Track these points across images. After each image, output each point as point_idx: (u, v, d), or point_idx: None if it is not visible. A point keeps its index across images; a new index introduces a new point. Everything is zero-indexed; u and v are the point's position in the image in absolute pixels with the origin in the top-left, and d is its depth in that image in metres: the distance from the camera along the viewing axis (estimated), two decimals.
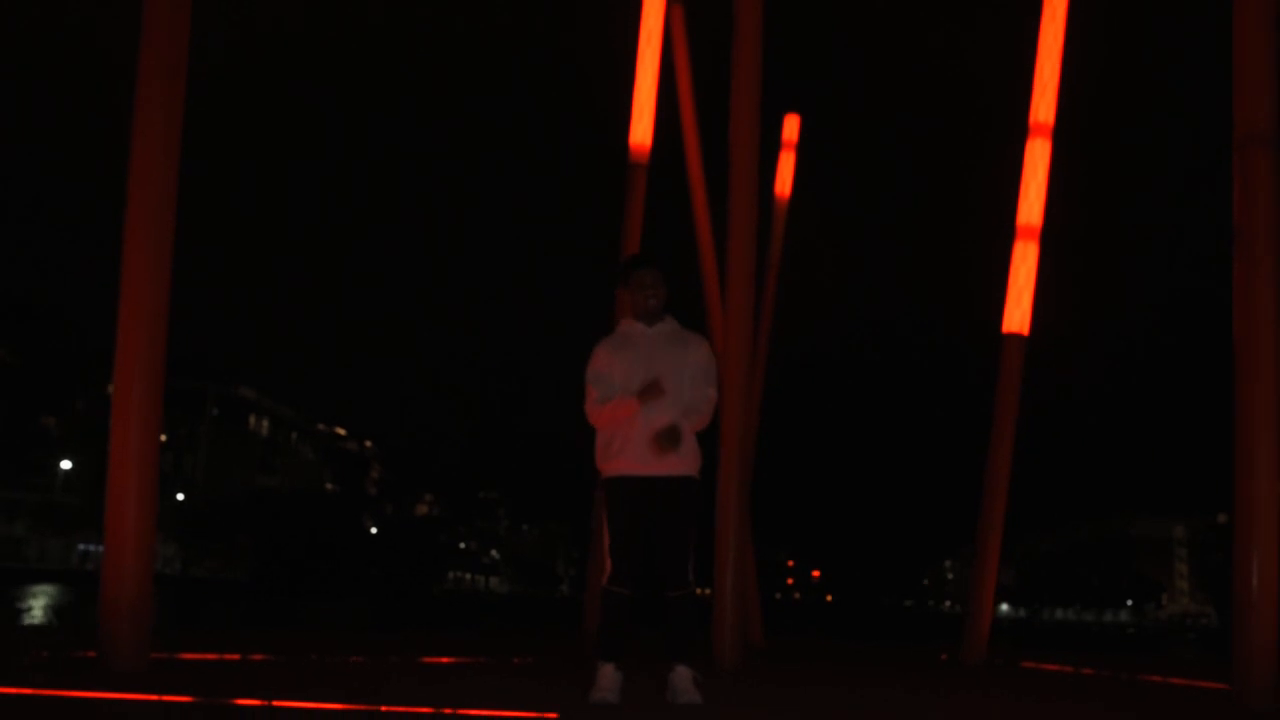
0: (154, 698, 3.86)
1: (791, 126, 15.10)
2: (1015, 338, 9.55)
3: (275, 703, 3.83)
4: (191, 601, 45.06)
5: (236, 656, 5.82)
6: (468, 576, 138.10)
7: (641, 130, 11.64)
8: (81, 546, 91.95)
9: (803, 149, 15.12)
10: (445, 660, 6.54)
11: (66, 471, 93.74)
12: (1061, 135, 10.43)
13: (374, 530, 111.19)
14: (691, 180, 12.70)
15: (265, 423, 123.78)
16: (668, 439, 4.61)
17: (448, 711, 3.84)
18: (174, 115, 5.39)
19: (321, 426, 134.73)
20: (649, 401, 4.66)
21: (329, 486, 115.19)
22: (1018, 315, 9.68)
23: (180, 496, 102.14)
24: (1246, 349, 5.60)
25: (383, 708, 3.85)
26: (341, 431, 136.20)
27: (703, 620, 5.26)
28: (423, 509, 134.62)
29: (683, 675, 4.57)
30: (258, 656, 5.90)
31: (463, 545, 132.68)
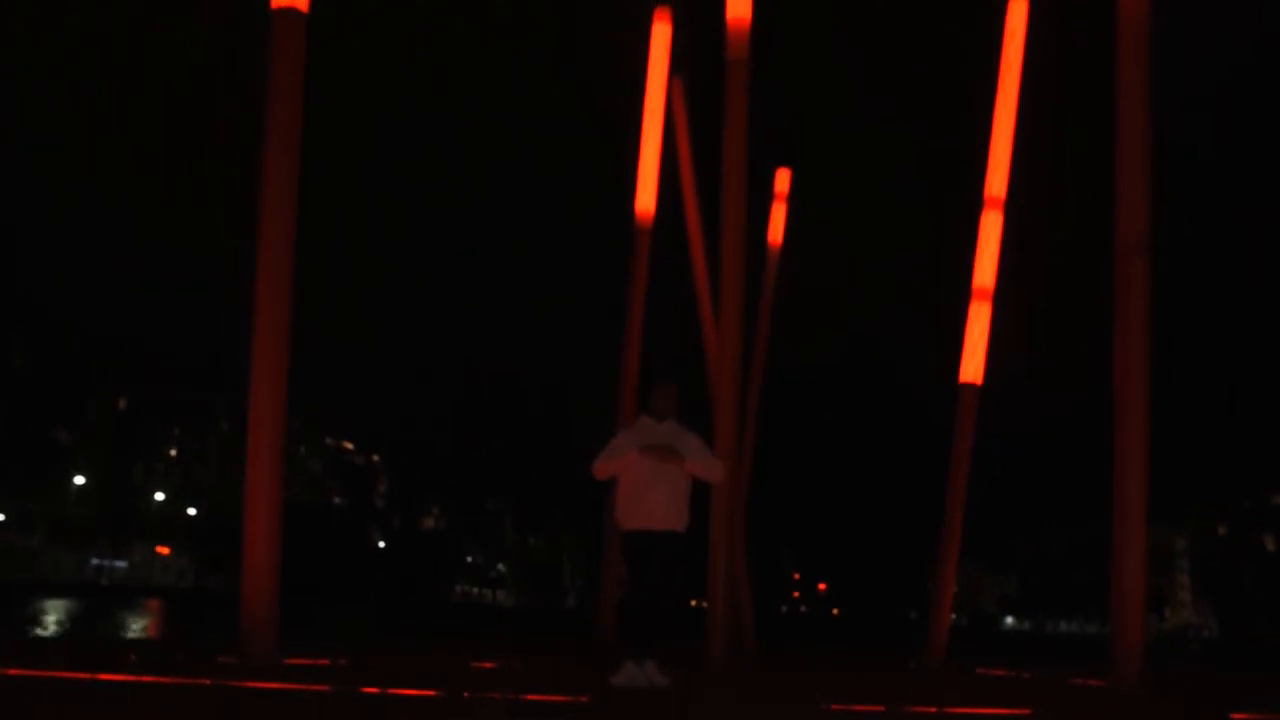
0: (304, 687, 5.35)
1: (783, 179, 16.64)
2: (969, 387, 11.05)
3: (390, 690, 5.33)
4: (214, 613, 46.38)
5: (326, 661, 7.32)
6: (475, 590, 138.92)
7: (646, 198, 13.15)
8: (95, 560, 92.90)
9: (794, 199, 16.67)
10: (488, 665, 8.02)
11: (80, 486, 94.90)
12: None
13: (381, 544, 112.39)
14: (690, 232, 14.23)
15: None
16: (664, 452, 6.51)
17: (512, 696, 5.34)
18: (293, 164, 6.80)
19: (329, 440, 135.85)
20: (651, 458, 6.32)
21: (336, 500, 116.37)
22: (972, 366, 11.20)
23: (192, 511, 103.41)
24: (1123, 402, 7.09)
25: (465, 694, 5.35)
26: (349, 445, 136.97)
27: (677, 627, 6.97)
28: (429, 521, 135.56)
29: (651, 666, 6.30)
30: (342, 661, 7.40)
31: (469, 559, 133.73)
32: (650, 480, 6.58)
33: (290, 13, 6.77)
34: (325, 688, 5.37)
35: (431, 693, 5.39)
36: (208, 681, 5.35)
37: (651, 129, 13.25)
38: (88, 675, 5.37)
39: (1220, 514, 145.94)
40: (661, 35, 13.33)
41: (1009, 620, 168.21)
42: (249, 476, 6.71)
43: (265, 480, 6.67)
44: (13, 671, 5.46)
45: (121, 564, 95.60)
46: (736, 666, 8.28)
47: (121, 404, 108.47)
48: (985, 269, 11.57)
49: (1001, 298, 11.83)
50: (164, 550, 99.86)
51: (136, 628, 29.88)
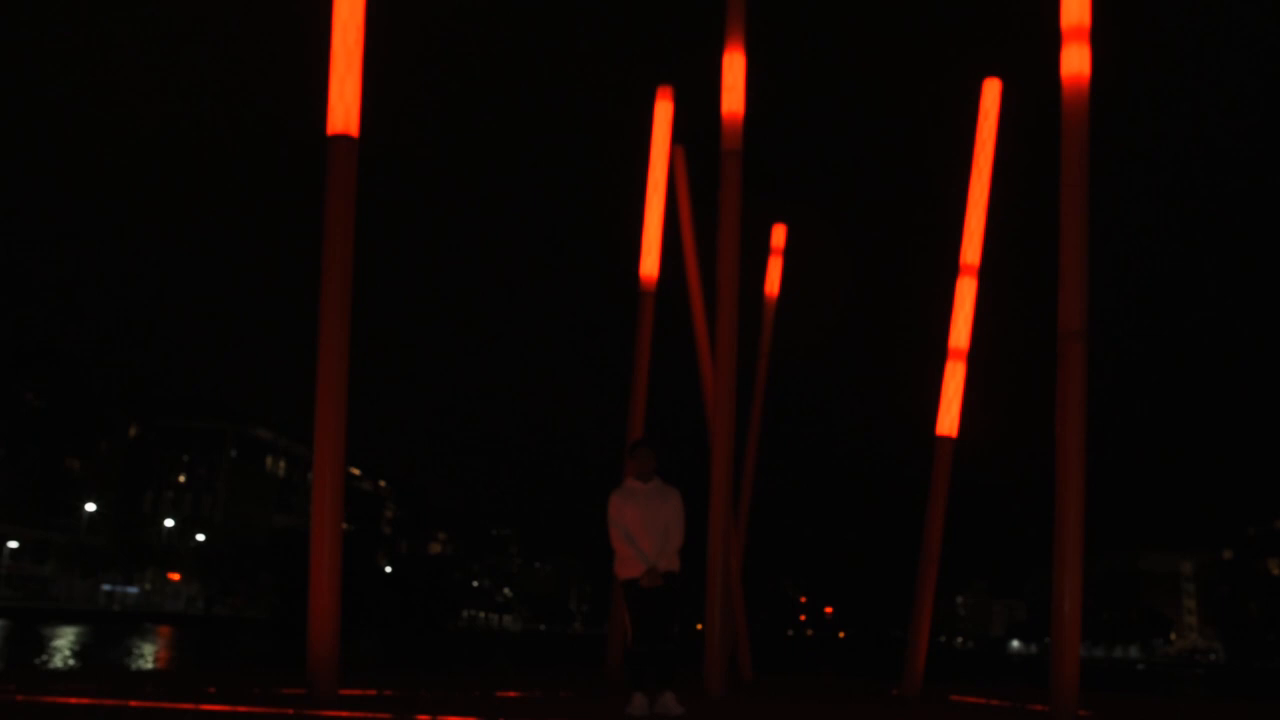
0: (370, 715, 6.45)
1: (779, 234, 17.78)
2: (945, 440, 12.14)
3: (440, 717, 6.43)
4: (229, 640, 47.36)
5: (374, 691, 8.41)
6: (481, 615, 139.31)
7: (650, 263, 14.24)
8: (106, 587, 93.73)
9: (790, 254, 17.83)
10: (513, 694, 9.09)
11: (91, 514, 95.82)
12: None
13: (388, 569, 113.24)
14: (691, 290, 15.35)
15: (282, 463, 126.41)
16: (649, 578, 7.47)
17: None
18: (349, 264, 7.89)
19: None
20: (645, 554, 7.44)
21: (344, 526, 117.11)
22: (947, 420, 12.28)
23: (201, 537, 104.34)
24: (1062, 469, 8.18)
25: (500, 719, 6.46)
26: (356, 472, 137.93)
27: (685, 660, 7.98)
28: (436, 547, 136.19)
29: (669, 696, 7.27)
30: (388, 692, 8.50)
31: (475, 584, 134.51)
32: (642, 531, 7.54)
33: (344, 139, 7.92)
34: (388, 716, 6.47)
35: (473, 719, 6.50)
36: (290, 711, 6.45)
37: (654, 199, 14.31)
38: (191, 705, 6.47)
39: (1226, 539, 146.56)
40: (664, 112, 14.46)
41: (1015, 644, 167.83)
42: (314, 530, 7.81)
43: (328, 534, 7.78)
44: (136, 703, 6.56)
45: (133, 590, 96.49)
46: (730, 699, 9.30)
47: (132, 431, 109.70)
48: (960, 331, 12.65)
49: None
50: (174, 576, 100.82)
51: (165, 656, 30.92)
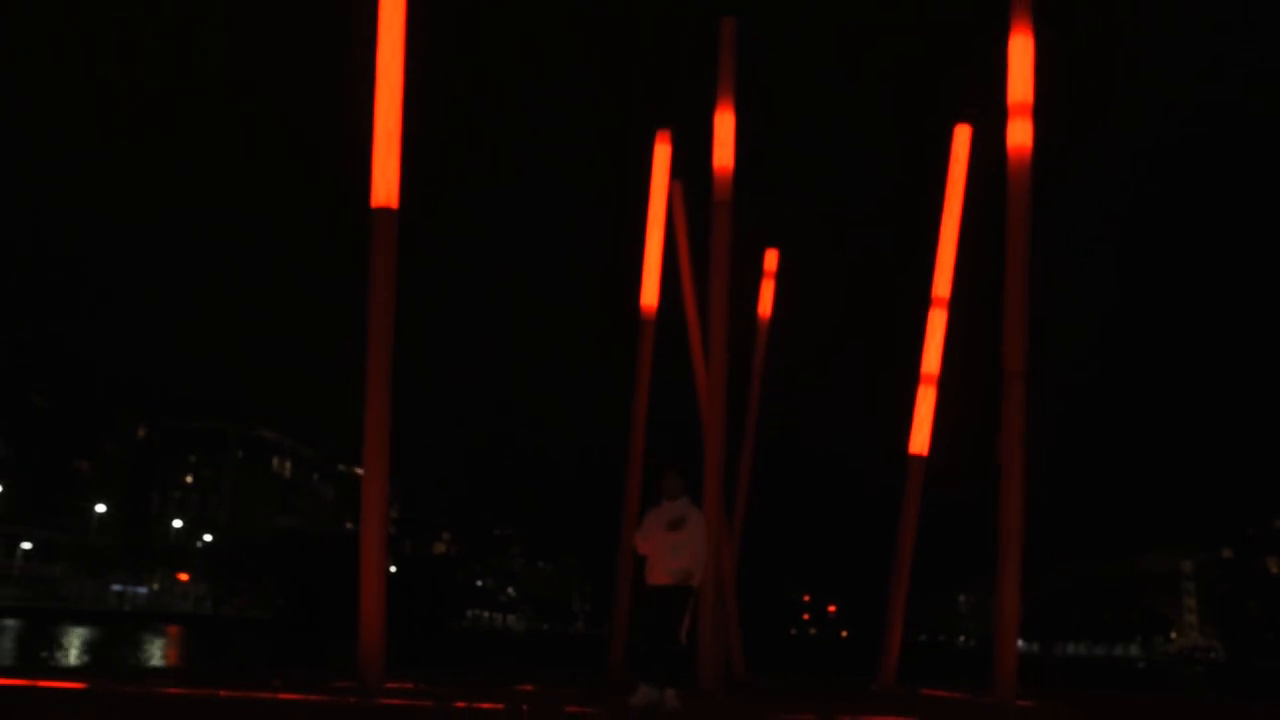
0: (416, 704, 7.69)
1: (771, 259, 18.99)
2: (917, 458, 13.38)
3: (475, 704, 7.67)
4: (237, 640, 48.54)
5: (410, 684, 9.65)
6: (485, 614, 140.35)
7: (649, 292, 15.45)
8: (116, 587, 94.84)
9: (782, 277, 19.05)
10: (528, 688, 10.31)
11: (100, 514, 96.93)
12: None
13: (392, 569, 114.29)
14: (689, 316, 16.56)
15: (287, 464, 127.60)
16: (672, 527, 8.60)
17: (557, 708, 7.69)
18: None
19: (341, 467, 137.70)
20: (660, 546, 8.64)
21: (349, 526, 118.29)
22: (919, 440, 13.51)
23: (208, 537, 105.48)
24: (1006, 488, 9.42)
25: (524, 708, 7.70)
26: (361, 472, 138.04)
27: (688, 662, 9.15)
28: (440, 547, 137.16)
29: (670, 694, 8.46)
30: (423, 685, 9.74)
31: (480, 584, 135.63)
32: (663, 548, 8.67)
33: (385, 211, 9.18)
34: (429, 704, 7.72)
35: (500, 706, 7.74)
36: (353, 700, 7.71)
37: (654, 234, 15.49)
38: (270, 695, 7.72)
39: (1226, 539, 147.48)
40: (662, 154, 15.68)
41: (1018, 642, 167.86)
42: (363, 544, 9.06)
43: (375, 546, 9.03)
44: (226, 692, 7.79)
45: (142, 590, 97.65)
46: (722, 695, 10.45)
47: (139, 433, 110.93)
48: (931, 358, 13.86)
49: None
50: (183, 577, 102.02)
51: (175, 655, 32.13)
